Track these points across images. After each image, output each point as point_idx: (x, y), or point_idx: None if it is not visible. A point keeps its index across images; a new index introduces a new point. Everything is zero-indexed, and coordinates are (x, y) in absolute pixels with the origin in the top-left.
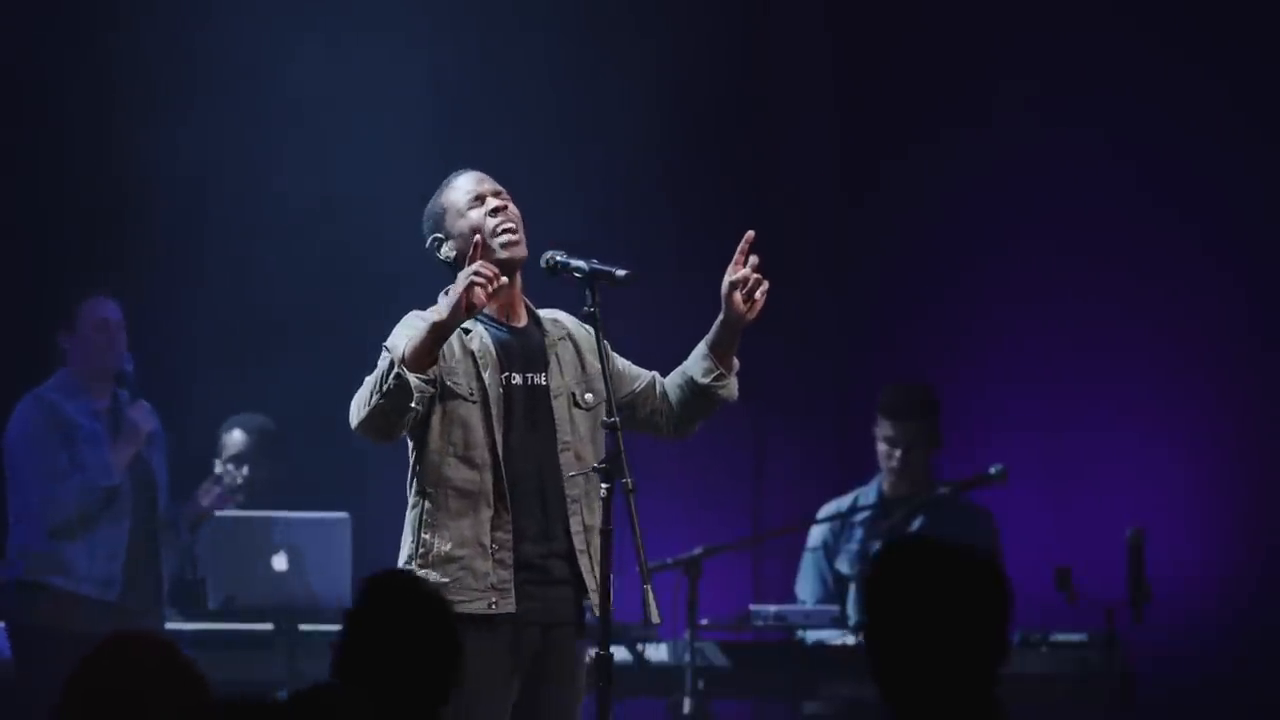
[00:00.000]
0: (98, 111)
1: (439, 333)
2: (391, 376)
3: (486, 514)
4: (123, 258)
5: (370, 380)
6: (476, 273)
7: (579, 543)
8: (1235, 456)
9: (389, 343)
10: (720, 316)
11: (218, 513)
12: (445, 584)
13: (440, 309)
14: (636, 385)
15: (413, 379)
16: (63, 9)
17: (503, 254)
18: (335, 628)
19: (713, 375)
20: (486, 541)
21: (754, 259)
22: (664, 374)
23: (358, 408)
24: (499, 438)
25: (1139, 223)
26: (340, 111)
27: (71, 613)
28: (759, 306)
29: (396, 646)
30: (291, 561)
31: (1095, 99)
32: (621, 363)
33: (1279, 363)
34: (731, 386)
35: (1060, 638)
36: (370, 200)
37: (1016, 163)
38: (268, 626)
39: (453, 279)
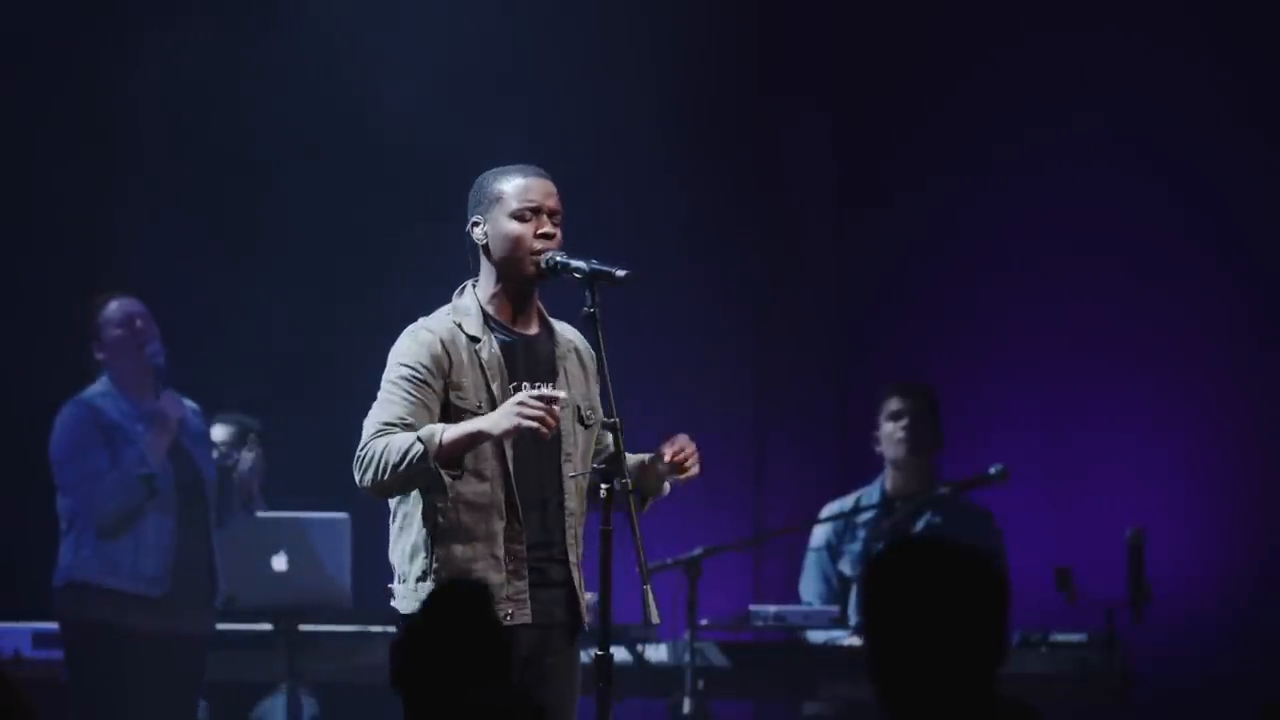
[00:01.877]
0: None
1: (480, 441)
2: (420, 464)
3: (499, 525)
4: (118, 256)
5: (385, 450)
6: (540, 420)
7: (573, 555)
8: (1235, 456)
9: (392, 413)
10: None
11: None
12: None
13: (490, 426)
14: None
15: (446, 475)
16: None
17: (527, 270)
18: (336, 628)
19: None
20: (500, 553)
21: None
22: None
23: (373, 473)
24: (508, 449)
25: (1139, 223)
26: (334, 113)
27: (120, 611)
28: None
29: (453, 656)
30: (291, 561)
31: (1095, 99)
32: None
33: (1279, 363)
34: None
35: (1060, 638)
36: (366, 205)
37: (1016, 163)
38: (268, 626)
39: (475, 269)
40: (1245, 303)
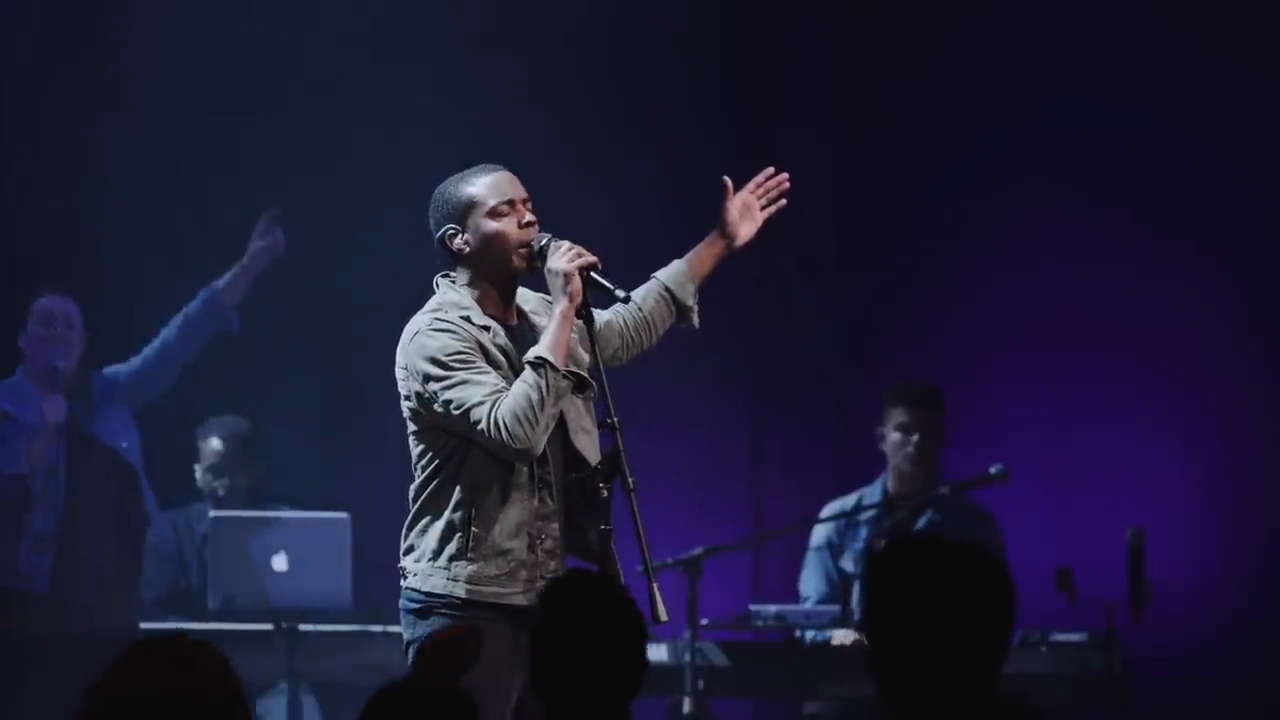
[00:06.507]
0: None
1: (570, 322)
2: (555, 381)
3: (532, 504)
4: (116, 252)
5: (517, 401)
6: (583, 257)
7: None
8: (1235, 457)
9: (464, 372)
10: (713, 240)
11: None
12: (497, 576)
13: (561, 304)
14: (613, 339)
15: (578, 371)
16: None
17: (517, 263)
18: (335, 627)
19: (695, 298)
20: (534, 531)
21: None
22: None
23: (525, 425)
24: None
25: (1139, 223)
26: (330, 110)
27: (5, 607)
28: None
29: (586, 653)
30: (291, 561)
31: (1095, 100)
32: (601, 321)
33: (1279, 363)
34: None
35: (1060, 638)
36: (361, 196)
37: (1016, 163)
38: (268, 626)
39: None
40: (1245, 303)
